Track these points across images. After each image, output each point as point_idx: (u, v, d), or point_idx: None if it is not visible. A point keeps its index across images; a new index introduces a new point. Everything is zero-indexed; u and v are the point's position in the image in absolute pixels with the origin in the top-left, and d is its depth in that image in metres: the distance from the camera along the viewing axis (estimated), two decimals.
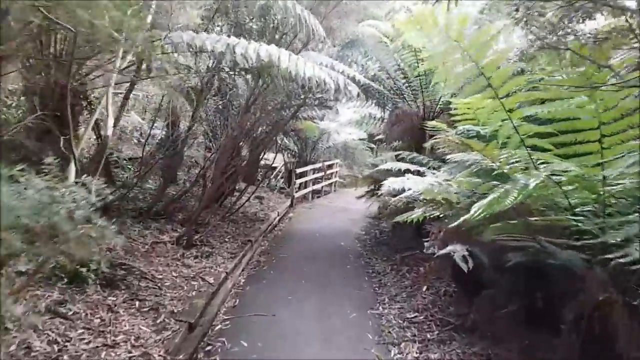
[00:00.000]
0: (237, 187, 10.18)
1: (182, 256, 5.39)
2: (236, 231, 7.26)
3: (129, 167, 8.83)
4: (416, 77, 6.76)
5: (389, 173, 5.73)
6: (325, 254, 7.08)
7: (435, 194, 3.25)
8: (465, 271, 3.18)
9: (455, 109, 4.81)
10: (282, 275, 5.76)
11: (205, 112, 8.06)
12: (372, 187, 8.45)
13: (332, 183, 15.39)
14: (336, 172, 15.91)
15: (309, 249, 7.30)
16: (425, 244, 4.04)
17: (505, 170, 3.15)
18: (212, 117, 8.06)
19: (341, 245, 7.66)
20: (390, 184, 4.05)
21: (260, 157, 12.94)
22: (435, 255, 4.06)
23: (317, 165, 13.48)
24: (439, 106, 6.95)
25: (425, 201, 3.82)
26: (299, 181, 11.96)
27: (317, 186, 13.71)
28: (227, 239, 6.66)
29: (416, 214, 3.43)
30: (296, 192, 11.71)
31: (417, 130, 6.97)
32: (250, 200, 9.98)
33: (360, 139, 17.18)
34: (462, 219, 3.08)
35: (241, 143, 7.55)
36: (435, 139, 4.73)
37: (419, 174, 4.72)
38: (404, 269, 6.03)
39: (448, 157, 4.36)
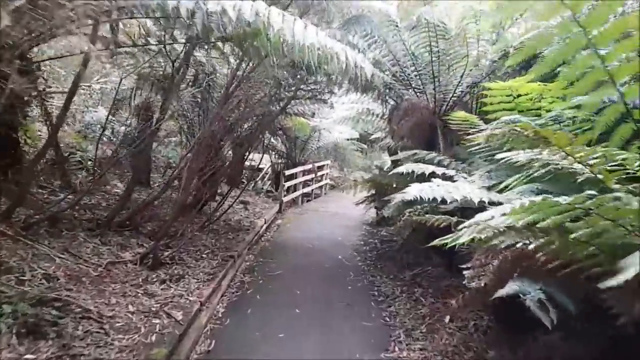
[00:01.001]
0: (218, 191, 9.13)
1: (146, 281, 4.31)
2: (216, 244, 6.19)
3: (97, 169, 7.72)
4: (428, 63, 5.77)
5: (403, 177, 4.77)
6: (321, 270, 6.05)
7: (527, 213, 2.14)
8: (549, 326, 2.18)
9: (485, 95, 3.88)
10: (271, 301, 4.72)
11: (181, 105, 7.00)
12: (373, 192, 7.47)
13: (322, 185, 14.38)
14: (327, 173, 14.91)
15: (302, 264, 6.27)
16: (465, 274, 3.04)
17: (599, 176, 2.17)
18: (189, 110, 6.99)
19: (339, 259, 6.64)
20: (419, 192, 3.05)
21: (245, 157, 11.93)
22: (472, 288, 3.06)
23: (308, 167, 12.45)
24: (452, 98, 5.98)
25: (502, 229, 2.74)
26: (287, 184, 10.91)
27: (308, 189, 12.69)
28: (204, 255, 5.58)
29: (463, 237, 2.44)
30: (285, 196, 10.67)
31: (427, 126, 6.01)
32: (234, 206, 8.91)
33: (351, 139, 16.24)
34: (539, 241, 2.10)
35: (222, 141, 6.48)
36: (467, 133, 3.75)
37: (445, 178, 3.73)
38: (416, 292, 5.04)
39: (488, 156, 3.39)
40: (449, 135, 6.09)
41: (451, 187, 3.16)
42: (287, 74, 6.15)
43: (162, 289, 4.18)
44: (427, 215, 3.17)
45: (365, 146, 21.05)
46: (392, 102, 8.10)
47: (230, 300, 4.68)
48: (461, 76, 5.44)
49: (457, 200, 3.10)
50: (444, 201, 3.00)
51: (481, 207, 2.96)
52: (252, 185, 12.34)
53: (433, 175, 3.71)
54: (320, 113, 11.06)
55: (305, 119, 9.64)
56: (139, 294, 3.93)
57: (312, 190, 13.09)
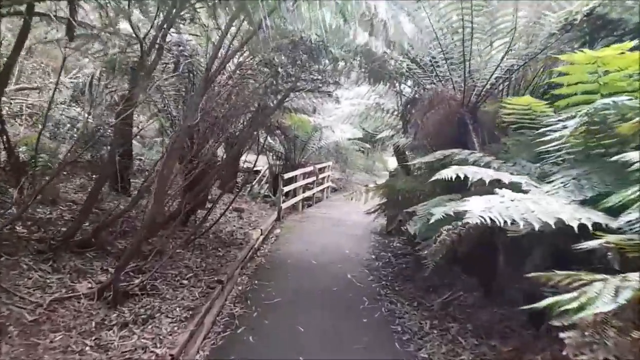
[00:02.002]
0: (209, 198, 8.11)
1: (102, 324, 3.27)
2: (202, 264, 5.14)
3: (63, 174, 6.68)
4: (457, 42, 4.74)
5: (430, 183, 3.77)
6: (328, 296, 5.01)
7: None
8: None
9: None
10: (267, 345, 3.68)
11: (163, 98, 5.96)
12: (386, 199, 6.43)
13: (324, 189, 13.33)
14: (328, 175, 13.88)
15: (305, 287, 5.22)
16: (566, 340, 2.00)
17: None
18: (170, 103, 5.96)
19: (348, 280, 5.60)
20: (485, 209, 2.02)
21: (240, 158, 10.88)
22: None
23: (308, 169, 11.41)
24: (486, 87, 4.95)
25: None
26: (286, 188, 9.87)
27: (308, 193, 11.64)
28: (186, 280, 4.54)
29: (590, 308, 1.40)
30: (284, 201, 9.62)
31: (455, 120, 4.98)
32: (226, 215, 7.87)
33: (354, 139, 15.22)
34: None
35: (205, 140, 5.43)
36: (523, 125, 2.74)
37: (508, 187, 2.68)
38: (451, 327, 4.01)
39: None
40: (481, 131, 5.10)
41: (530, 203, 2.13)
42: (285, 58, 5.12)
43: (121, 338, 3.13)
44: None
45: (368, 146, 20.11)
46: (406, 95, 7.10)
47: (215, 344, 3.63)
48: (503, 56, 4.40)
49: (538, 223, 2.07)
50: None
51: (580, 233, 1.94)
52: (248, 189, 11.30)
53: (496, 183, 2.66)
54: (323, 109, 10.03)
55: (306, 116, 8.58)
56: (86, 349, 2.89)
57: (314, 194, 12.04)
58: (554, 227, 1.93)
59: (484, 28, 4.42)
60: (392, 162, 30.52)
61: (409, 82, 5.77)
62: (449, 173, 2.85)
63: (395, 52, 4.91)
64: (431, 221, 2.96)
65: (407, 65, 5.11)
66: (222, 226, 7.18)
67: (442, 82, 5.17)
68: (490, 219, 2.03)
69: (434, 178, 2.98)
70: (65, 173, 6.37)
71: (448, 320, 4.16)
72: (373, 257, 6.77)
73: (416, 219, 4.03)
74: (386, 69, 5.60)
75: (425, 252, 4.01)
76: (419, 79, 5.37)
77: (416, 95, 5.95)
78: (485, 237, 3.79)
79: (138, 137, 8.72)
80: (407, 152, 13.09)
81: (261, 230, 7.41)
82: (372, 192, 5.91)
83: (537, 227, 1.95)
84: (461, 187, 4.66)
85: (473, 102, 5.18)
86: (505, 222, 2.01)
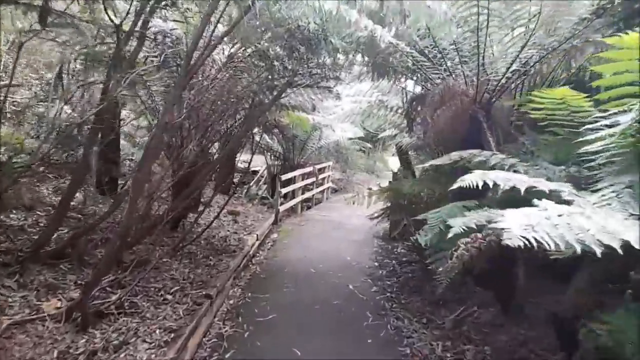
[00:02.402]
0: (202, 200, 7.69)
1: (65, 353, 2.83)
2: (190, 275, 4.70)
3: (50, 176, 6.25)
4: (469, 32, 4.30)
5: (440, 186, 3.35)
6: (329, 310, 4.57)
7: None
8: None
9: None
10: None
11: (149, 93, 5.52)
12: (390, 203, 6.00)
13: (324, 190, 12.89)
14: (329, 176, 13.44)
15: (303, 300, 4.78)
16: None
17: None
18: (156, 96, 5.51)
19: (350, 291, 5.16)
20: (526, 228, 1.58)
21: (235, 158, 10.44)
22: None
23: (308, 169, 10.97)
24: (501, 81, 4.51)
25: None
26: (284, 190, 9.42)
27: (308, 194, 11.20)
28: (170, 295, 4.10)
29: None
30: (282, 204, 9.18)
31: (468, 118, 4.54)
32: (220, 219, 7.44)
33: (354, 138, 14.78)
34: None
35: (200, 137, 5.00)
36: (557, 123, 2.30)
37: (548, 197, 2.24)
38: (467, 350, 3.57)
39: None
40: (495, 130, 4.66)
41: (582, 219, 1.68)
42: (280, 50, 4.68)
43: None
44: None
45: (370, 146, 19.67)
46: (412, 92, 6.67)
47: None
48: (523, 46, 3.94)
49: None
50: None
51: None
52: (245, 191, 10.87)
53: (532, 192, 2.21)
54: (322, 107, 9.58)
55: (305, 114, 8.13)
56: None
57: (313, 195, 11.60)
58: (617, 249, 1.48)
59: (501, 14, 3.98)
60: (393, 162, 30.17)
61: (415, 78, 5.31)
62: (474, 179, 2.41)
63: (402, 42, 4.44)
64: (450, 235, 2.49)
65: (415, 57, 4.66)
66: (215, 231, 6.74)
67: (453, 76, 4.73)
68: (536, 239, 1.58)
69: (455, 186, 2.52)
70: (47, 174, 5.97)
71: (462, 341, 3.73)
72: (376, 264, 6.32)
73: (427, 229, 3.59)
74: (391, 62, 5.16)
75: (437, 265, 3.58)
76: (428, 73, 4.92)
77: (423, 91, 5.50)
78: (507, 250, 3.37)
79: (128, 136, 8.29)
80: (409, 153, 12.67)
81: (257, 235, 6.96)
82: (376, 196, 5.47)
83: (598, 252, 1.50)
84: (476, 192, 4.25)
85: (486, 98, 4.74)
86: (555, 244, 1.56)
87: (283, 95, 5.31)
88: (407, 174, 7.32)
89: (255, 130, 10.17)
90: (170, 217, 5.38)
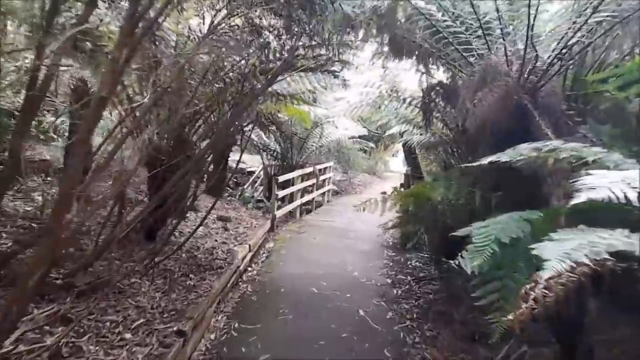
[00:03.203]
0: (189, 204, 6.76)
1: None
2: (162, 302, 3.75)
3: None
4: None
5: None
6: (335, 349, 3.61)
7: None
8: None
9: None
10: None
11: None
12: (408, 210, 5.04)
13: (325, 192, 11.94)
14: (330, 177, 12.50)
15: (302, 332, 3.83)
16: None
17: None
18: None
19: (361, 319, 4.21)
20: None
21: (228, 156, 9.50)
22: None
23: (308, 170, 10.03)
24: (553, 60, 3.57)
25: None
26: (282, 193, 8.47)
27: (308, 197, 10.26)
28: (130, 333, 3.14)
29: None
30: (279, 208, 8.22)
31: (513, 105, 3.61)
32: (209, 226, 6.50)
33: (357, 137, 13.86)
34: None
35: (172, 122, 4.05)
36: None
37: None
38: None
39: None
40: (545, 121, 3.74)
41: None
42: (276, 20, 3.74)
43: None
44: None
45: (372, 145, 18.77)
46: (432, 79, 5.74)
47: None
48: (593, 12, 3.01)
49: None
50: None
51: None
52: (239, 193, 9.91)
53: None
54: (323, 101, 8.63)
55: (307, 105, 7.15)
56: None
57: (313, 198, 10.65)
58: None
59: None
60: (395, 163, 29.32)
61: (443, 58, 4.37)
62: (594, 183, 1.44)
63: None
64: (545, 275, 1.55)
65: (446, 27, 3.72)
66: (201, 241, 5.79)
67: (493, 51, 3.79)
68: None
69: (579, 200, 1.56)
70: None
71: None
72: (389, 281, 5.37)
73: (472, 250, 2.64)
74: (412, 39, 4.23)
75: (488, 299, 2.64)
76: (461, 49, 3.98)
77: (450, 77, 4.57)
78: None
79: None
80: (417, 152, 11.72)
81: (249, 246, 6.00)
82: (392, 202, 4.53)
83: None
84: (525, 198, 3.32)
85: (533, 80, 3.81)
86: None
87: (280, 79, 4.35)
88: (438, 176, 6.37)
89: (249, 126, 9.23)
90: (142, 221, 4.47)
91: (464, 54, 3.91)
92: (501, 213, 2.98)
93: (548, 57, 3.75)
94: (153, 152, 4.93)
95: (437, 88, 5.52)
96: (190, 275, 4.51)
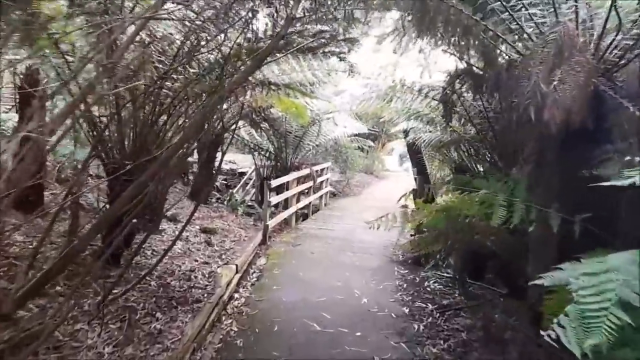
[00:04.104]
0: (169, 213, 5.83)
1: None
2: (111, 358, 2.75)
3: None
4: None
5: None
6: None
7: None
8: None
9: None
10: None
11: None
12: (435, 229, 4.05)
13: (322, 195, 10.96)
14: (327, 179, 11.52)
15: None
16: None
17: None
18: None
19: None
20: None
21: (214, 157, 8.50)
22: None
23: (304, 172, 9.04)
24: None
25: None
26: (275, 199, 7.48)
27: (304, 202, 9.28)
28: None
29: None
30: (271, 216, 7.23)
31: (591, 93, 2.64)
32: (188, 240, 5.53)
33: (357, 134, 12.91)
34: None
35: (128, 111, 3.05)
36: None
37: None
38: None
39: None
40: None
41: None
42: None
43: None
44: None
45: (372, 144, 17.84)
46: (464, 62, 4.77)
47: None
48: None
49: None
50: None
51: None
52: (227, 199, 8.90)
53: None
54: (322, 92, 7.62)
55: (304, 98, 6.13)
56: None
57: (310, 203, 9.67)
58: None
59: None
60: (390, 162, 28.41)
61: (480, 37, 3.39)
62: None
63: None
64: None
65: None
66: (177, 262, 4.80)
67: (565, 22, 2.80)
68: None
69: None
70: None
71: None
72: (406, 311, 4.40)
73: (576, 314, 1.66)
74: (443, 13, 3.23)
75: None
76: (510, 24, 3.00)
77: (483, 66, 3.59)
78: None
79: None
80: (422, 151, 10.75)
81: (236, 266, 5.02)
82: (416, 218, 3.54)
83: None
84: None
85: (612, 63, 2.85)
86: None
87: (270, 60, 3.35)
88: (477, 185, 5.41)
89: (236, 121, 8.24)
90: (103, 239, 3.50)
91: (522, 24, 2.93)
92: (592, 247, 2.05)
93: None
94: (110, 151, 3.95)
95: (463, 76, 4.57)
96: (158, 315, 3.51)
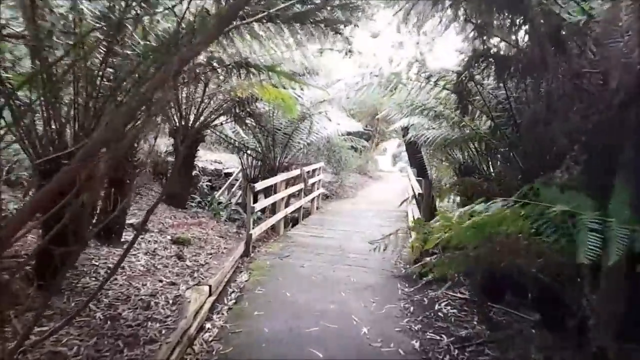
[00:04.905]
0: (134, 222, 5.01)
1: None
2: None
3: None
4: None
5: None
6: None
7: None
8: None
9: None
10: None
11: None
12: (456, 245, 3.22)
13: (314, 198, 10.12)
14: (320, 180, 10.69)
15: None
16: None
17: None
18: None
19: None
20: None
21: (194, 155, 7.63)
22: None
23: (294, 173, 8.20)
24: None
25: None
26: (260, 205, 6.62)
27: (294, 206, 8.44)
28: None
29: None
30: (255, 224, 6.38)
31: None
32: (157, 253, 4.68)
33: (351, 133, 12.11)
34: None
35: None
36: None
37: None
38: None
39: None
40: None
41: None
42: None
43: None
44: None
45: (366, 143, 17.08)
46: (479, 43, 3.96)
47: None
48: None
49: None
50: None
51: None
52: (209, 203, 8.03)
53: None
54: (313, 80, 6.78)
55: (290, 84, 5.23)
56: None
57: (301, 207, 8.83)
58: None
59: None
60: (383, 162, 27.70)
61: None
62: None
63: None
64: None
65: None
66: (136, 283, 3.94)
67: None
68: None
69: None
70: None
71: None
72: (417, 346, 3.57)
73: None
74: None
75: None
76: None
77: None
78: None
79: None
80: (422, 150, 9.96)
81: (209, 287, 4.16)
82: (434, 234, 2.72)
83: None
84: None
85: None
86: None
87: (237, 24, 2.49)
88: (468, 184, 4.62)
89: (223, 118, 7.39)
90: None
91: None
92: None
93: None
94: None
95: (485, 58, 3.76)
96: (102, 355, 2.65)
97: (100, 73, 2.99)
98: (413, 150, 10.74)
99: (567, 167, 2.96)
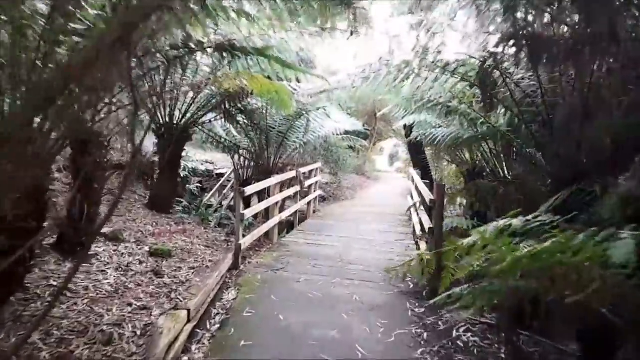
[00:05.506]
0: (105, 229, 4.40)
1: None
2: None
3: None
4: None
5: None
6: None
7: None
8: None
9: None
10: None
11: None
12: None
13: (311, 201, 9.49)
14: (317, 182, 10.07)
15: None
16: None
17: None
18: None
19: None
20: None
21: (180, 155, 6.98)
22: None
23: (289, 175, 7.57)
24: None
25: None
26: (251, 211, 5.97)
27: (291, 208, 7.83)
28: None
29: None
30: (247, 232, 5.76)
31: None
32: (131, 269, 4.03)
33: (350, 132, 11.49)
34: None
35: None
36: None
37: None
38: None
39: None
40: None
41: None
42: None
43: None
44: None
45: (365, 143, 16.49)
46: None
47: None
48: None
49: None
50: None
51: None
52: (196, 208, 7.38)
53: None
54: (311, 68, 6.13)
55: (283, 70, 4.56)
56: None
57: (297, 211, 8.21)
58: None
59: None
60: (381, 162, 27.17)
61: None
62: None
63: None
64: None
65: None
66: (103, 307, 3.29)
67: None
68: None
69: None
70: None
71: None
72: None
73: None
74: None
75: None
76: None
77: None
78: None
79: None
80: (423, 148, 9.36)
81: (188, 311, 3.52)
82: (469, 260, 2.09)
83: None
84: None
85: None
86: None
87: None
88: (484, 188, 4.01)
89: (211, 115, 6.75)
90: None
91: None
92: None
93: None
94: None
95: (517, 41, 3.15)
96: None
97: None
98: (417, 150, 10.15)
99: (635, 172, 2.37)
